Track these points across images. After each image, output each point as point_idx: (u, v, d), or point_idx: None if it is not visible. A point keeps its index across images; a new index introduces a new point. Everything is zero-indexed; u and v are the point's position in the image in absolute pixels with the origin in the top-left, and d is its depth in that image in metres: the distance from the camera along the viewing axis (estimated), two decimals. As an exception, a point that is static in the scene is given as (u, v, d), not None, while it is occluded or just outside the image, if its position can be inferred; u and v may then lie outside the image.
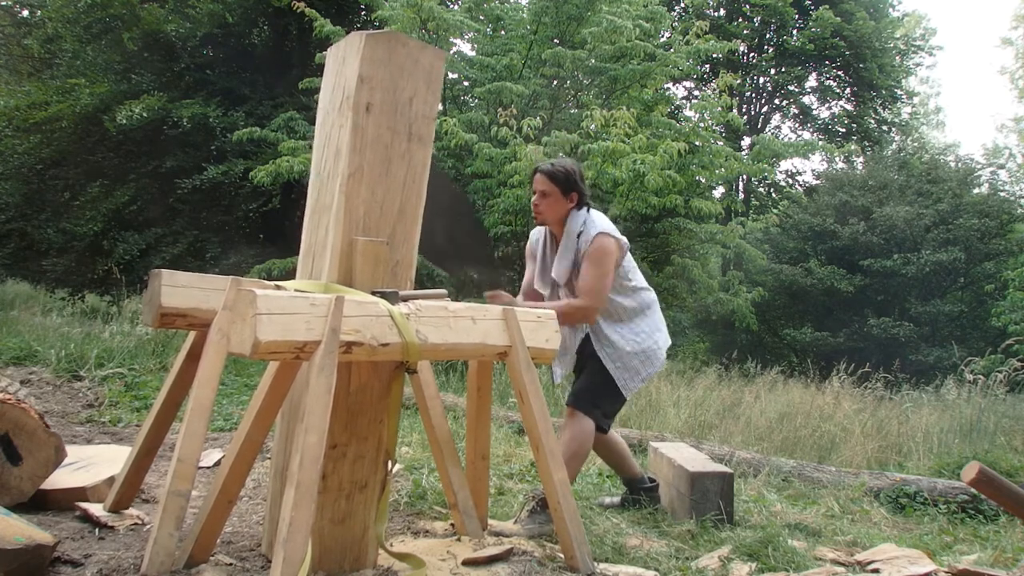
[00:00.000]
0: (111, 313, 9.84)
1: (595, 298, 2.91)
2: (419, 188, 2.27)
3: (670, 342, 3.20)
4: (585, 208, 3.05)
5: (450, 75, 9.87)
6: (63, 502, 2.54)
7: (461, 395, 5.83)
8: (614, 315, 3.05)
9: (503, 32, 10.77)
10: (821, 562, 2.71)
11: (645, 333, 3.08)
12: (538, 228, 3.22)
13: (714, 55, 13.25)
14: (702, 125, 9.48)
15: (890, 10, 21.98)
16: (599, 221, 3.02)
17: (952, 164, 16.85)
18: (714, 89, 13.56)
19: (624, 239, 3.05)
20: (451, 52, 9.89)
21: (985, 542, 3.34)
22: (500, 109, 8.23)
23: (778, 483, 4.32)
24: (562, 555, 2.37)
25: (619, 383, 3.01)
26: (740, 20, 21.22)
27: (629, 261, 3.10)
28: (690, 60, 10.77)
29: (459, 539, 2.47)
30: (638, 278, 3.12)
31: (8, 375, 4.84)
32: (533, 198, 3.07)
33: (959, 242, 13.63)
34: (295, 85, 10.37)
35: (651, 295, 3.17)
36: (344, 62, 2.20)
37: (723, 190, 17.74)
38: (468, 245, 9.23)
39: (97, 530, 2.35)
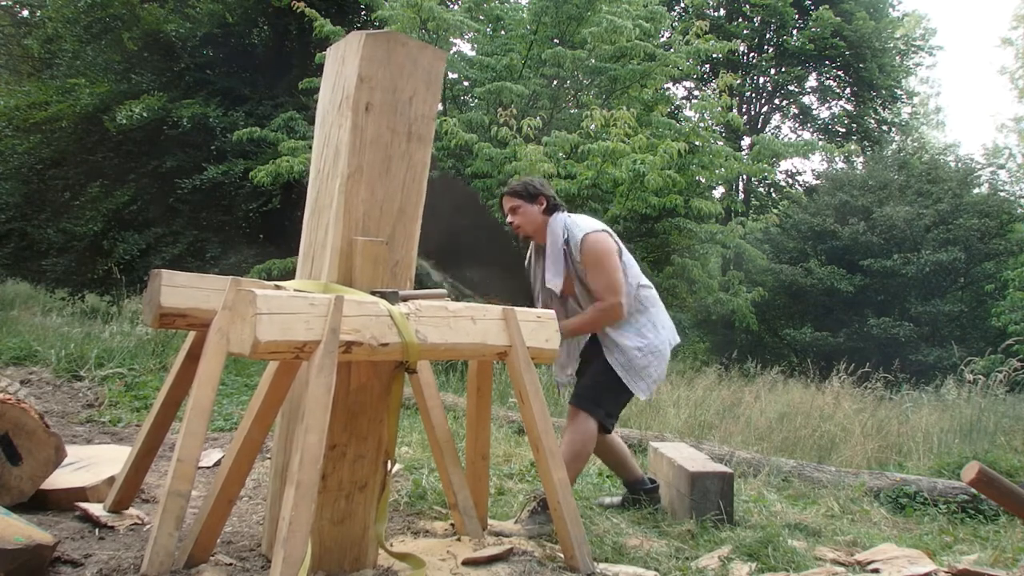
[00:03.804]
0: (111, 313, 9.86)
1: (616, 294, 2.92)
2: (419, 188, 2.27)
3: (678, 339, 3.17)
4: (561, 212, 3.06)
5: (450, 75, 9.87)
6: (63, 502, 2.54)
7: (461, 395, 5.82)
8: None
9: (503, 32, 10.77)
10: (821, 562, 2.71)
11: (649, 330, 3.05)
12: (530, 246, 3.24)
13: (714, 55, 13.26)
14: (702, 125, 9.47)
15: (890, 10, 21.97)
16: (581, 223, 3.01)
17: (952, 164, 16.83)
18: (714, 89, 13.56)
19: (609, 229, 3.05)
20: (451, 52, 9.89)
21: (985, 542, 3.34)
22: (500, 109, 8.23)
23: (778, 483, 4.32)
24: (562, 555, 2.36)
25: (629, 384, 2.98)
26: (740, 20, 21.22)
27: (627, 257, 3.09)
28: (690, 60, 10.78)
29: (459, 539, 2.47)
30: (637, 274, 3.10)
31: (8, 375, 4.84)
32: (507, 220, 3.11)
33: (959, 242, 13.61)
34: (295, 85, 10.38)
35: (652, 292, 3.15)
36: (344, 62, 2.20)
37: (723, 190, 17.76)
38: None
39: (97, 530, 2.35)
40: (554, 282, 2.99)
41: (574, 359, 3.19)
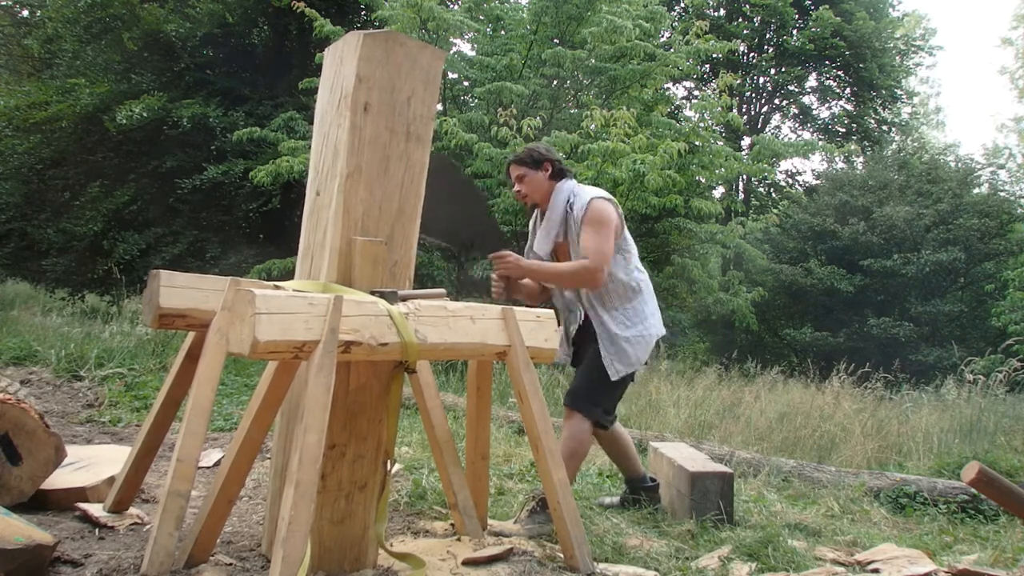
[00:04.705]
0: (111, 313, 9.86)
1: (599, 258, 2.83)
2: (417, 188, 2.27)
3: (663, 331, 3.13)
4: (570, 179, 3.04)
5: (450, 75, 9.87)
6: (63, 502, 2.54)
7: (461, 395, 5.82)
8: (610, 292, 2.99)
9: (503, 32, 10.77)
10: (821, 562, 2.71)
11: (638, 317, 3.02)
12: (534, 214, 3.22)
13: (714, 55, 13.26)
14: (702, 125, 9.48)
15: (890, 10, 21.97)
16: (591, 189, 3.00)
17: (952, 164, 16.83)
18: (714, 89, 13.57)
19: (617, 203, 3.03)
20: (451, 52, 9.89)
21: (985, 542, 3.34)
22: (500, 109, 8.23)
23: (778, 483, 4.32)
24: (562, 555, 2.36)
25: (606, 363, 2.93)
26: (740, 20, 21.22)
27: (628, 236, 3.07)
28: (690, 60, 10.78)
29: (459, 539, 2.47)
30: (635, 256, 3.09)
31: (8, 375, 4.84)
32: (514, 188, 3.08)
33: (959, 242, 13.61)
34: (295, 85, 10.39)
35: (646, 278, 3.12)
36: (342, 62, 2.20)
37: (723, 190, 17.76)
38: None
39: (97, 530, 2.35)
40: (542, 246, 2.97)
41: (571, 320, 3.14)
